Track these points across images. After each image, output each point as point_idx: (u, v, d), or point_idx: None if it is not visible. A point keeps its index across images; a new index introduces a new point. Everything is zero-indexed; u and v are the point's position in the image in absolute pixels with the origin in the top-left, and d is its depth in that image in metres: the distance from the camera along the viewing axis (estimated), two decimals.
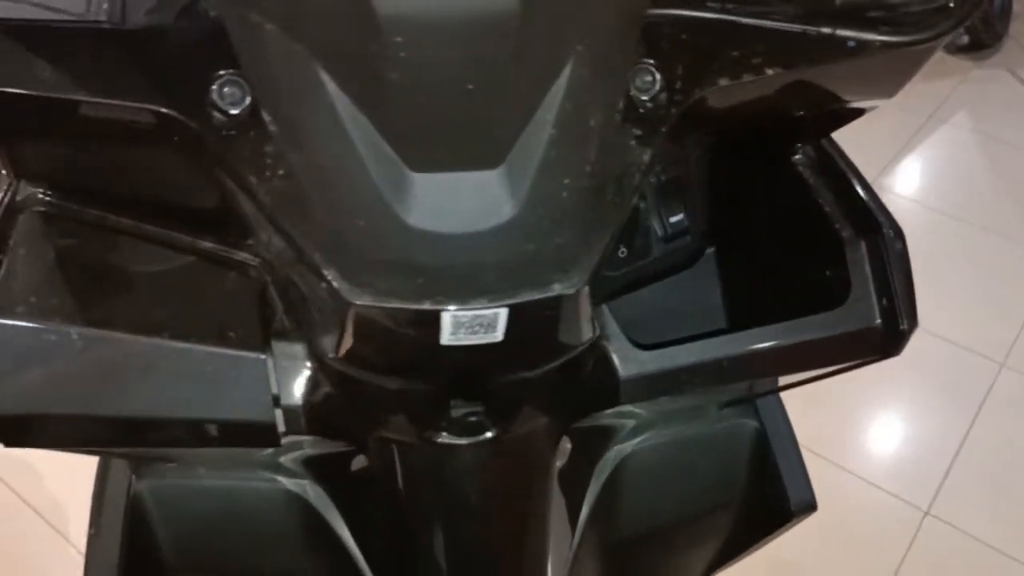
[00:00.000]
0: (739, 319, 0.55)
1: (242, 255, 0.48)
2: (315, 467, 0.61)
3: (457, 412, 0.50)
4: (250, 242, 0.48)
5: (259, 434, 0.46)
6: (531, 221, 0.32)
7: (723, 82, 0.40)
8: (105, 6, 0.37)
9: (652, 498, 0.67)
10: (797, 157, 0.54)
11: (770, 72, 0.40)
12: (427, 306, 0.34)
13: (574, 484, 0.62)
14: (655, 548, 0.70)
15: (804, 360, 0.51)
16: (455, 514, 0.56)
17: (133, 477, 0.60)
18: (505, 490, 0.56)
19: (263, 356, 0.46)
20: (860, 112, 0.48)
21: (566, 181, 0.32)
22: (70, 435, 0.45)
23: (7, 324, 0.43)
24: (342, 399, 0.49)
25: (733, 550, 0.70)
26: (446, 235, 0.31)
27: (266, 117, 0.34)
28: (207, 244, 0.48)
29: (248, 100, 0.37)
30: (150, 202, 0.46)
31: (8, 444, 0.45)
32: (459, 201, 0.31)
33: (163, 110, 0.36)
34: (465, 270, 0.33)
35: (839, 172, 0.53)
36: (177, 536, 0.60)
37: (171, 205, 0.46)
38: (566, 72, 0.30)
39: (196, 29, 0.37)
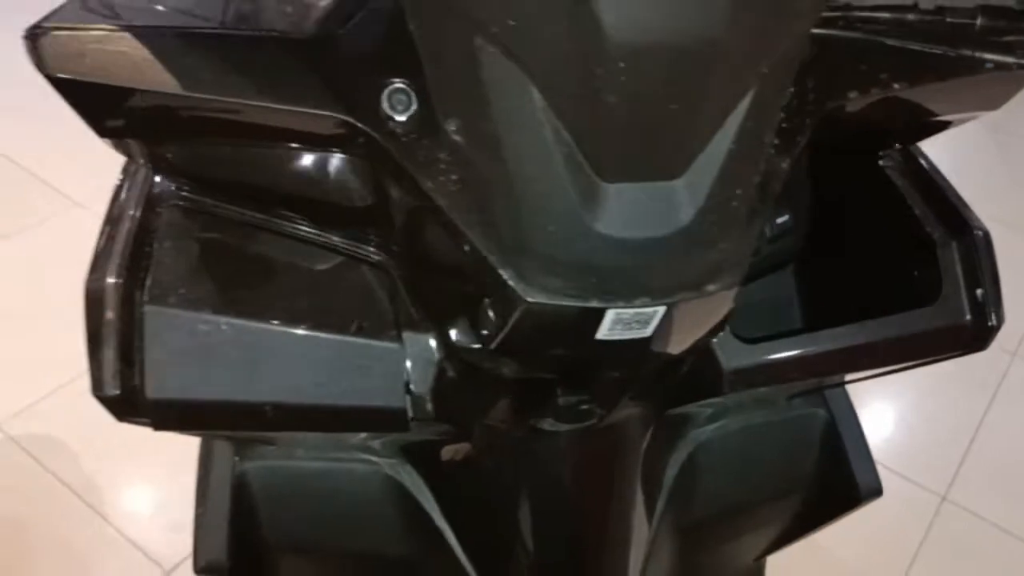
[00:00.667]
0: (824, 316, 0.57)
1: (371, 251, 0.50)
2: (409, 452, 0.63)
3: (567, 400, 0.52)
4: (378, 240, 0.50)
5: (391, 420, 0.48)
6: (702, 228, 0.34)
7: (852, 95, 0.42)
8: (285, 17, 0.39)
9: (725, 481, 0.70)
10: (884, 161, 0.57)
11: (896, 87, 0.42)
12: (594, 304, 0.37)
13: (654, 467, 0.65)
14: (725, 528, 0.73)
15: (897, 354, 0.53)
16: (552, 497, 0.59)
17: (236, 459, 0.62)
18: (599, 474, 0.59)
19: (397, 346, 0.48)
20: (963, 121, 0.50)
21: (738, 192, 0.35)
22: (217, 419, 0.47)
23: (163, 313, 0.45)
24: (464, 388, 0.51)
25: (799, 531, 0.73)
26: (626, 240, 0.34)
27: (450, 126, 0.36)
28: (338, 240, 0.50)
29: (414, 107, 0.39)
30: (287, 199, 0.48)
31: (157, 428, 0.47)
32: (642, 209, 0.33)
33: (341, 116, 0.39)
34: (633, 271, 0.36)
35: (927, 176, 0.55)
36: (278, 515, 0.63)
37: (307, 202, 0.48)
38: (751, 93, 0.32)
39: (367, 40, 0.39)
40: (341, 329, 0.47)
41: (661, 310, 0.37)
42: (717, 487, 0.70)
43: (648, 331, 0.39)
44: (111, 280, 0.45)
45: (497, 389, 0.53)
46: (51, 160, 1.99)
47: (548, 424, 0.54)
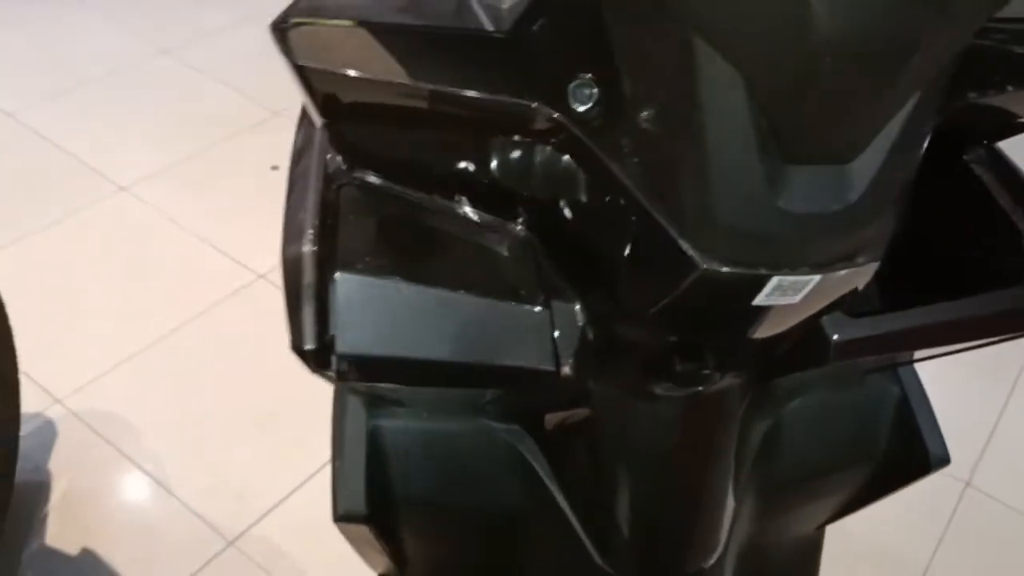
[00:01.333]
0: (910, 297, 0.63)
1: (518, 227, 0.56)
2: (523, 417, 0.68)
3: (685, 366, 0.58)
4: (528, 218, 0.56)
5: (541, 379, 0.54)
6: (864, 207, 0.40)
7: (971, 96, 0.48)
8: (485, 16, 0.44)
9: (799, 452, 0.75)
10: (968, 155, 0.63)
11: (1009, 89, 0.48)
12: (761, 271, 0.42)
13: (744, 435, 0.70)
14: (794, 496, 0.79)
15: (988, 329, 0.59)
16: (658, 458, 0.64)
17: (367, 416, 0.68)
18: (703, 438, 0.65)
19: (547, 312, 0.54)
20: None
21: (895, 176, 0.40)
22: (393, 373, 0.53)
23: (351, 279, 0.50)
24: (599, 353, 0.57)
25: (865, 500, 0.79)
26: (800, 214, 0.39)
27: (643, 115, 0.41)
28: (491, 217, 0.56)
29: (597, 97, 0.44)
30: (451, 180, 0.54)
31: (341, 379, 0.53)
32: (818, 187, 0.39)
33: (536, 105, 0.44)
34: (801, 243, 0.41)
35: (1011, 170, 0.61)
36: (406, 470, 0.68)
37: (470, 182, 0.53)
38: (922, 88, 0.38)
39: (556, 38, 0.45)
40: (499, 295, 0.53)
41: (816, 278, 0.43)
42: (792, 457, 0.75)
43: (797, 298, 0.45)
44: (307, 249, 0.50)
45: (626, 355, 0.59)
46: (95, 146, 2.04)
47: (663, 388, 0.60)
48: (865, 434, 0.75)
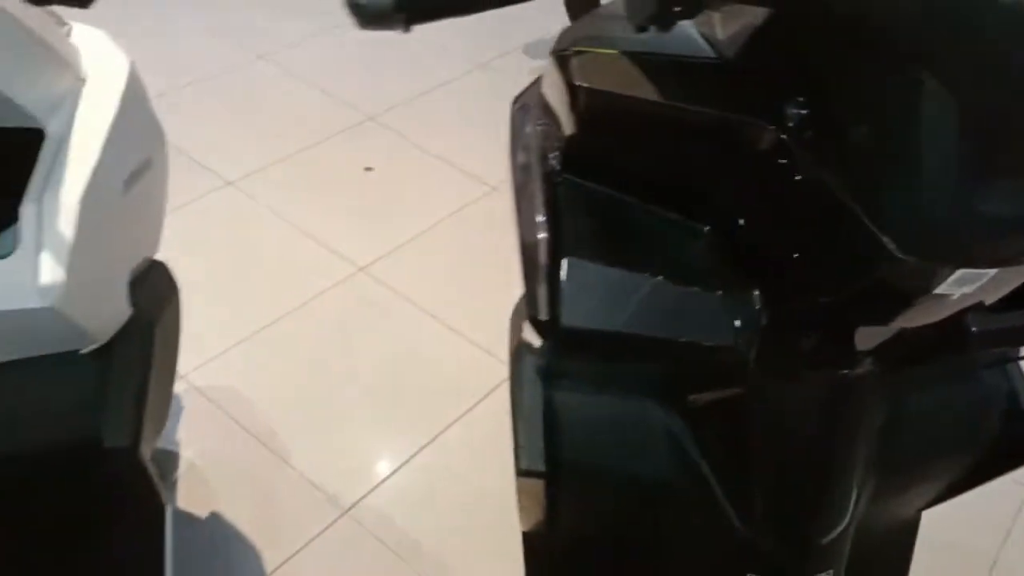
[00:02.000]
0: None
1: (702, 227, 0.65)
2: (673, 395, 0.77)
3: (838, 349, 0.67)
4: (715, 217, 0.65)
5: (718, 355, 0.63)
6: None
7: None
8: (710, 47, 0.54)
9: (917, 435, 0.83)
10: None
11: None
12: (950, 265, 0.51)
13: (872, 417, 0.78)
14: (910, 477, 0.86)
15: None
16: (801, 437, 0.73)
17: (543, 386, 0.77)
18: (843, 419, 0.73)
19: (729, 298, 0.63)
20: None
21: None
22: (603, 345, 0.62)
23: (578, 263, 0.60)
24: (768, 336, 0.66)
25: (966, 485, 0.87)
26: (995, 218, 0.48)
27: (857, 132, 0.50)
28: (679, 216, 0.65)
29: (807, 115, 0.54)
30: (659, 182, 0.63)
31: (564, 351, 0.62)
32: (1013, 195, 0.47)
33: (753, 121, 0.53)
34: (990, 241, 0.50)
35: None
36: (574, 436, 0.77)
37: (670, 185, 0.63)
38: None
39: (772, 65, 0.54)
40: (692, 283, 0.62)
41: (992, 272, 0.51)
42: (907, 442, 0.83)
43: (971, 288, 0.53)
44: (541, 236, 0.60)
45: (789, 338, 0.67)
46: (203, 144, 2.17)
47: (815, 371, 0.69)
48: (974, 423, 0.83)
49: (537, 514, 0.86)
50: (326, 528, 1.39)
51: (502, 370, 1.64)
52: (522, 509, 0.88)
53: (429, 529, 1.40)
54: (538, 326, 0.60)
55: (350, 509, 1.42)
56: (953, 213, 0.49)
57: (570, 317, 0.60)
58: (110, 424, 0.74)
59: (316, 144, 2.21)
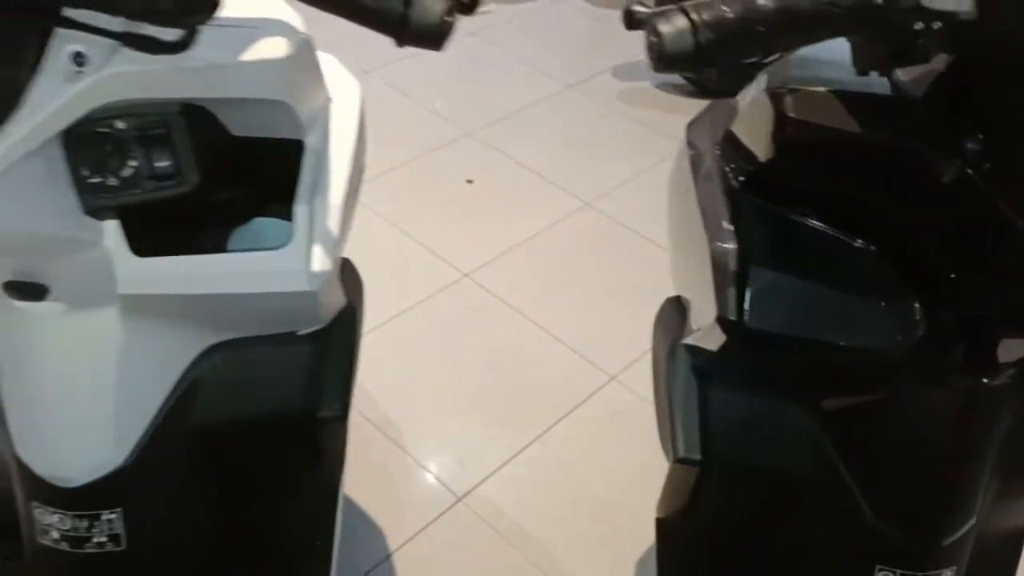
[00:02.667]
0: None
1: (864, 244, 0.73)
2: (813, 398, 0.85)
3: (983, 362, 0.74)
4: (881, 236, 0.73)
5: (873, 357, 0.71)
6: None
7: None
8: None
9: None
10: None
11: None
12: None
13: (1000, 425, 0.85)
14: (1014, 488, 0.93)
15: None
16: (938, 440, 0.80)
17: (697, 382, 0.86)
18: (978, 426, 0.80)
19: (891, 307, 0.71)
20: None
21: None
22: (781, 346, 0.71)
23: (760, 272, 0.69)
24: (923, 344, 0.73)
25: None
26: None
27: None
28: (842, 234, 0.73)
29: (983, 149, 0.62)
30: (833, 205, 0.72)
31: (746, 346, 0.71)
32: None
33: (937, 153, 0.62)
34: None
35: None
36: (723, 429, 0.86)
37: (845, 209, 0.71)
38: None
39: (953, 104, 0.62)
40: (858, 293, 0.71)
41: None
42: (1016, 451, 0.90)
43: None
44: (728, 246, 0.69)
45: (938, 346, 0.75)
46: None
47: (957, 378, 0.76)
48: None
49: (678, 501, 0.94)
50: (442, 514, 1.49)
51: (600, 376, 1.74)
52: (665, 496, 0.96)
53: (536, 517, 1.49)
54: (727, 327, 0.69)
55: (464, 497, 1.51)
56: None
57: (754, 320, 0.68)
58: (326, 397, 0.85)
59: (420, 156, 2.32)
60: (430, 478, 1.55)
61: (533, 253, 2.05)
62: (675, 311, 0.94)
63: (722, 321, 0.70)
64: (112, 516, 0.80)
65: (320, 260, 0.73)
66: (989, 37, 0.57)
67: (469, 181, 2.26)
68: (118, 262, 0.71)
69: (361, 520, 1.46)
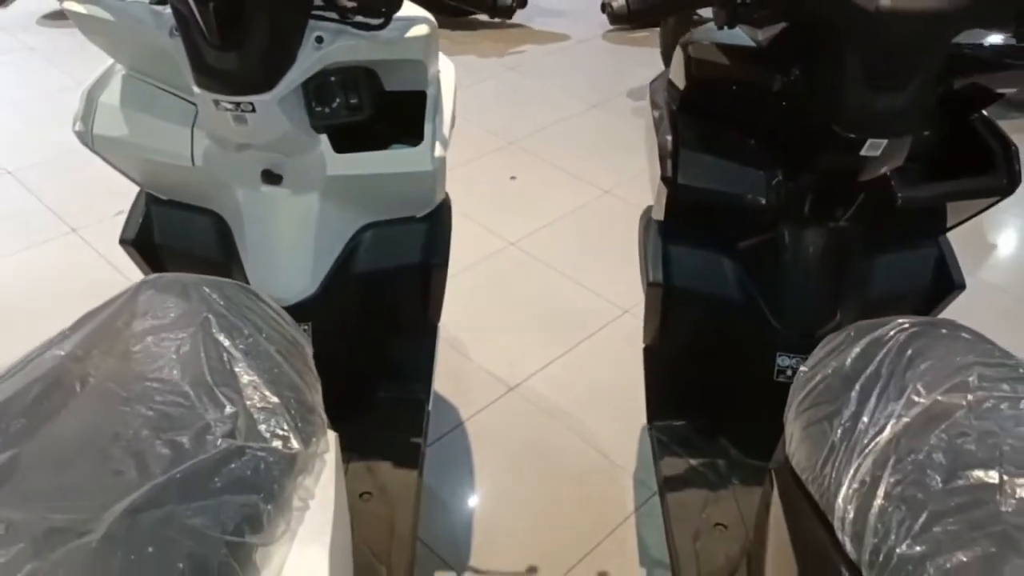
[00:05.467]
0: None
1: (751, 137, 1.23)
2: (727, 244, 1.34)
3: (830, 205, 1.22)
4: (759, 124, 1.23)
5: (759, 208, 1.20)
6: (910, 110, 1.05)
7: (962, 79, 1.11)
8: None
9: (879, 283, 1.35)
10: (974, 116, 1.24)
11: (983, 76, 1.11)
12: (864, 136, 1.06)
13: (852, 263, 1.32)
14: (874, 307, 1.38)
15: (975, 194, 1.20)
16: (811, 263, 1.27)
17: (661, 239, 1.34)
18: (840, 253, 1.27)
19: (764, 172, 1.21)
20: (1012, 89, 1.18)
21: (921, 102, 1.05)
22: (704, 198, 1.21)
23: (691, 152, 1.19)
24: (790, 196, 1.22)
25: (909, 310, 1.38)
26: (881, 110, 1.04)
27: (830, 79, 1.07)
28: (741, 132, 1.23)
29: (798, 74, 1.11)
30: (732, 114, 1.21)
31: (677, 200, 1.21)
32: (889, 100, 1.04)
33: (780, 78, 1.11)
34: (882, 122, 1.06)
35: (992, 124, 1.22)
36: (678, 268, 1.34)
37: (738, 115, 1.21)
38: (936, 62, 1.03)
39: (784, 47, 1.12)
40: (748, 164, 1.20)
41: (885, 141, 1.07)
42: (874, 282, 1.35)
43: (877, 152, 1.08)
44: (667, 137, 1.18)
45: (801, 198, 1.23)
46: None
47: (816, 221, 1.24)
48: (915, 276, 1.35)
49: (653, 324, 1.41)
50: (498, 398, 1.97)
51: (615, 310, 2.22)
52: (646, 324, 1.44)
53: (567, 401, 1.96)
54: (666, 182, 1.18)
55: (514, 388, 2.00)
56: (864, 110, 1.05)
57: (683, 178, 1.18)
58: (435, 253, 1.36)
59: (474, 159, 2.86)
60: (489, 375, 2.03)
61: (563, 227, 2.56)
62: (649, 211, 1.43)
63: (664, 179, 1.18)
64: (305, 327, 1.30)
65: (437, 152, 1.23)
66: (800, 10, 1.06)
67: (512, 177, 2.78)
68: (327, 156, 1.22)
69: (439, 401, 1.95)
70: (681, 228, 1.34)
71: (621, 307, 2.24)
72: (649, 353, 1.49)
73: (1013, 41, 1.08)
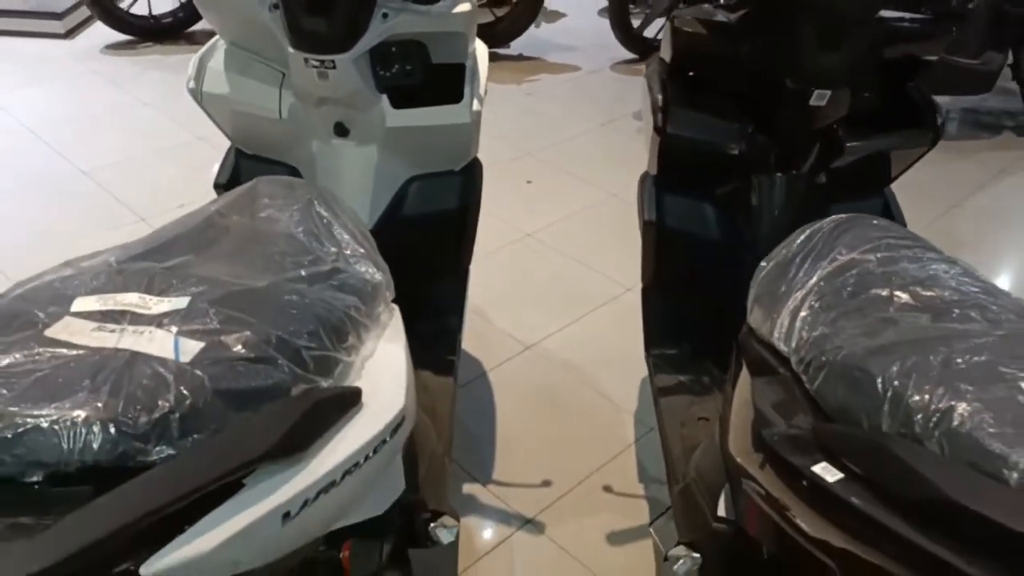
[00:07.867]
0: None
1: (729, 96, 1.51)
2: (707, 192, 1.61)
3: (786, 155, 1.50)
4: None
5: (733, 159, 1.48)
6: (853, 64, 1.32)
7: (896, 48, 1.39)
8: None
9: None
10: (910, 84, 1.52)
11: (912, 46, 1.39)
12: (812, 87, 1.34)
13: (815, 202, 1.59)
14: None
15: (907, 144, 1.47)
16: (776, 204, 1.54)
17: (655, 189, 1.62)
18: (801, 196, 1.55)
19: (737, 126, 1.49)
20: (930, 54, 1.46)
21: (866, 62, 1.33)
22: (691, 147, 1.49)
23: (678, 108, 1.47)
24: (759, 148, 1.49)
25: None
26: (823, 67, 1.32)
27: (786, 44, 1.36)
28: (721, 92, 1.52)
29: (761, 45, 1.40)
30: (713, 79, 1.50)
31: (668, 150, 1.49)
32: (828, 58, 1.32)
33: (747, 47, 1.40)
34: (825, 75, 1.34)
35: (923, 92, 1.50)
36: (670, 211, 1.61)
37: (718, 78, 1.50)
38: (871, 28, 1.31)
39: (752, 24, 1.41)
40: (729, 120, 1.48)
41: (829, 92, 1.34)
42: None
43: (823, 102, 1.36)
44: (658, 96, 1.47)
45: (767, 150, 1.50)
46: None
47: (781, 169, 1.51)
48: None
49: (649, 264, 1.68)
50: (517, 354, 2.23)
51: (618, 288, 2.49)
52: (643, 265, 1.70)
53: (579, 358, 2.21)
54: (658, 132, 1.46)
55: (531, 347, 2.25)
56: (811, 66, 1.33)
57: (671, 128, 1.46)
58: (469, 199, 1.64)
59: (495, 165, 3.14)
60: (509, 337, 2.29)
61: (574, 222, 2.84)
62: (645, 173, 1.70)
63: (656, 129, 1.46)
64: None
65: (474, 107, 1.51)
66: None
67: (528, 181, 3.08)
68: (387, 111, 1.51)
69: (466, 356, 2.20)
70: (671, 180, 1.62)
71: (624, 286, 2.50)
72: (646, 291, 1.75)
73: (931, 16, 1.37)
